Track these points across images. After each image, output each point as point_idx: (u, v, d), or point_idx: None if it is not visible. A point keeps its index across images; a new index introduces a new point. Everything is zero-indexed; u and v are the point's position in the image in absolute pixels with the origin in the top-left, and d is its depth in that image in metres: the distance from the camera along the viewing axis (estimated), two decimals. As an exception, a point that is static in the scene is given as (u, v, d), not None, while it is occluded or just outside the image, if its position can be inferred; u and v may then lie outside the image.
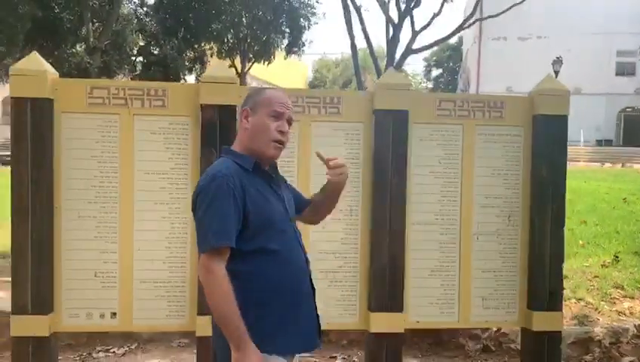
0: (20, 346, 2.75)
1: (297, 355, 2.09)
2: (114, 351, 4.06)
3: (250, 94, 2.02)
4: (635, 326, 4.13)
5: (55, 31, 18.23)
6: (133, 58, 23.52)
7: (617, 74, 33.24)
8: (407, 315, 2.99)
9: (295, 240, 1.98)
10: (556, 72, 24.96)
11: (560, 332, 3.10)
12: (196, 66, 24.86)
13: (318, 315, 2.03)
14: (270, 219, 1.89)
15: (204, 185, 1.83)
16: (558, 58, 26.09)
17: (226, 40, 25.31)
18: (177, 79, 22.39)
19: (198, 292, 2.79)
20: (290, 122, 1.99)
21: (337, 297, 2.97)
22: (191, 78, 25.66)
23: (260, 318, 1.84)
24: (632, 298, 4.63)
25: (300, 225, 2.18)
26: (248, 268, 1.85)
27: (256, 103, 1.95)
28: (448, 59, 49.61)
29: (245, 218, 1.82)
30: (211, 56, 25.44)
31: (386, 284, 2.92)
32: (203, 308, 2.77)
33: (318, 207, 2.27)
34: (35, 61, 2.75)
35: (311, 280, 2.02)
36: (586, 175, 15.11)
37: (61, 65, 15.82)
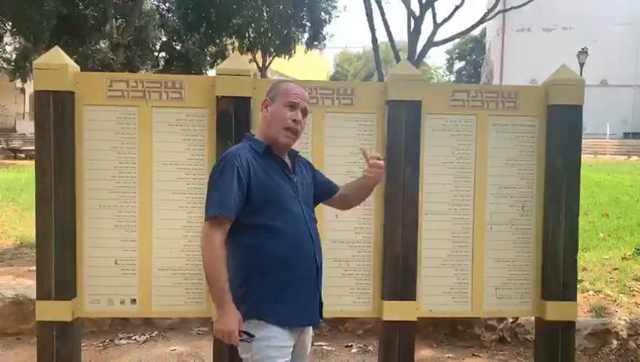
0: (44, 330, 2.85)
1: (310, 334, 2.19)
2: (135, 339, 4.18)
3: (271, 87, 2.21)
4: (654, 318, 4.10)
5: (79, 27, 18.60)
6: (156, 54, 23.83)
7: (645, 65, 32.50)
8: (420, 304, 3.02)
9: (302, 222, 2.09)
10: (581, 64, 24.55)
11: (574, 322, 3.10)
12: (218, 61, 25.10)
13: (320, 295, 2.14)
14: (274, 197, 2.02)
15: (216, 164, 2.06)
16: (583, 49, 25.62)
17: (247, 35, 25.47)
18: (199, 74, 22.64)
19: (215, 280, 2.86)
20: (304, 113, 2.15)
21: (351, 286, 3.01)
22: (212, 73, 25.84)
23: (259, 288, 1.98)
24: (652, 290, 4.58)
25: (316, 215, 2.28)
26: (250, 241, 2.00)
27: (275, 94, 2.14)
28: (471, 51, 49.14)
29: (249, 194, 1.98)
30: (233, 51, 25.61)
31: (399, 273, 2.95)
32: (219, 295, 2.84)
33: (348, 196, 2.42)
34: (56, 55, 2.84)
35: (317, 261, 2.11)
36: (610, 168, 14.88)
37: (85, 61, 16.12)
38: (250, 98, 2.86)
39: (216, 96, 2.85)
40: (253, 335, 1.95)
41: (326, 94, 2.96)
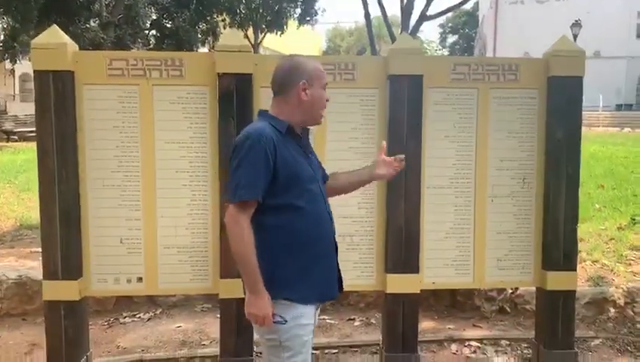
0: (52, 310, 2.88)
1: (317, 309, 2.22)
2: (140, 317, 4.22)
3: (297, 66, 2.07)
4: (650, 286, 4.18)
5: (68, 6, 18.24)
6: (147, 32, 23.49)
7: (638, 36, 32.47)
8: (423, 276, 3.06)
9: (321, 200, 2.11)
10: (575, 36, 24.45)
11: (574, 291, 3.15)
12: (209, 38, 24.78)
13: (339, 269, 2.19)
14: (298, 177, 2.01)
15: (240, 141, 1.97)
16: (576, 21, 25.50)
17: (238, 11, 25.15)
18: (190, 51, 22.37)
19: (221, 257, 2.89)
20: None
21: (355, 260, 3.05)
22: (204, 51, 25.57)
23: (286, 269, 1.98)
24: (648, 259, 4.66)
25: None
26: (276, 222, 1.98)
27: (310, 76, 2.06)
28: (464, 25, 48.83)
29: (275, 174, 1.95)
30: (224, 27, 25.30)
31: (402, 246, 2.99)
32: (226, 272, 2.87)
33: (336, 188, 2.36)
34: (55, 34, 2.81)
35: (334, 237, 2.16)
36: (604, 139, 14.96)
37: (76, 40, 15.76)
38: (251, 75, 2.85)
39: (218, 74, 2.84)
40: (286, 320, 1.96)
41: (327, 69, 2.92)
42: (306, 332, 2.02)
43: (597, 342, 3.79)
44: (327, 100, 2.12)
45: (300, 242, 2.01)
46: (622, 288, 4.16)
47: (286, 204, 1.98)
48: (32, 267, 4.33)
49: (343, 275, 2.22)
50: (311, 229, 2.03)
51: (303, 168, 2.05)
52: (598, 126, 24.15)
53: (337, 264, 2.19)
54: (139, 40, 22.02)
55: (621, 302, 4.10)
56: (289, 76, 2.06)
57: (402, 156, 2.27)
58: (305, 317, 2.01)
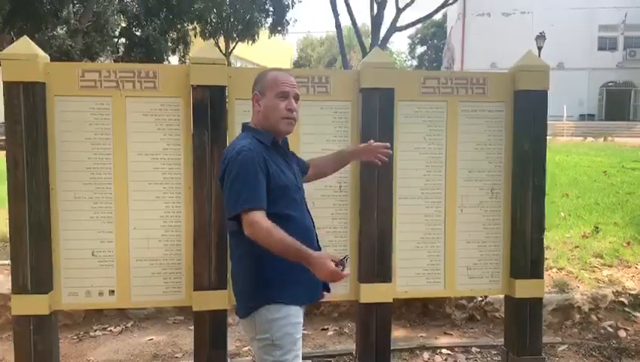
0: (21, 325, 2.82)
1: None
2: (110, 330, 4.16)
3: (257, 79, 2.24)
4: (613, 292, 4.32)
5: (35, 13, 17.90)
6: (116, 40, 23.20)
7: (600, 48, 33.55)
8: (395, 285, 3.11)
9: (305, 208, 2.23)
10: (539, 48, 25.10)
11: (541, 298, 3.25)
12: (179, 47, 24.64)
13: None
14: (285, 188, 2.12)
15: (232, 157, 2.05)
16: (541, 33, 26.21)
17: (209, 20, 25.10)
18: (160, 60, 22.19)
19: (194, 269, 2.88)
20: (296, 99, 2.21)
21: (328, 270, 3.07)
22: (174, 59, 25.40)
23: (278, 274, 2.07)
24: (611, 266, 4.81)
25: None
26: None
27: (263, 86, 2.18)
28: (432, 36, 49.64)
29: (267, 187, 2.04)
30: (194, 36, 25.20)
31: (374, 256, 3.03)
32: (199, 284, 2.87)
33: (323, 173, 2.62)
34: (25, 45, 2.78)
35: (317, 241, 2.27)
36: (568, 149, 15.37)
37: (42, 48, 15.49)
38: (225, 87, 2.87)
39: (192, 86, 2.85)
40: (347, 257, 1.99)
41: (301, 82, 2.98)
42: (297, 331, 2.12)
43: (563, 347, 3.89)
44: (289, 110, 2.15)
45: None
46: (586, 294, 4.29)
47: (276, 214, 2.06)
48: (0, 281, 4.23)
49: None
50: (299, 236, 2.10)
51: (288, 178, 2.15)
52: (563, 135, 24.80)
53: None
54: (108, 48, 21.72)
55: (586, 308, 4.22)
56: (252, 90, 2.22)
57: (387, 144, 2.57)
58: (294, 316, 2.11)
